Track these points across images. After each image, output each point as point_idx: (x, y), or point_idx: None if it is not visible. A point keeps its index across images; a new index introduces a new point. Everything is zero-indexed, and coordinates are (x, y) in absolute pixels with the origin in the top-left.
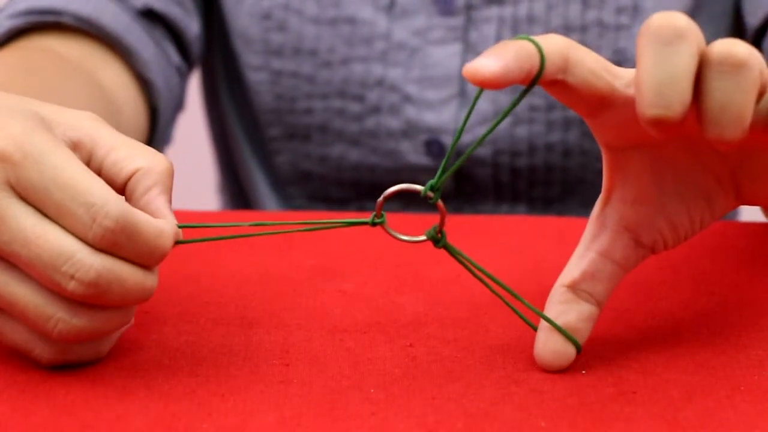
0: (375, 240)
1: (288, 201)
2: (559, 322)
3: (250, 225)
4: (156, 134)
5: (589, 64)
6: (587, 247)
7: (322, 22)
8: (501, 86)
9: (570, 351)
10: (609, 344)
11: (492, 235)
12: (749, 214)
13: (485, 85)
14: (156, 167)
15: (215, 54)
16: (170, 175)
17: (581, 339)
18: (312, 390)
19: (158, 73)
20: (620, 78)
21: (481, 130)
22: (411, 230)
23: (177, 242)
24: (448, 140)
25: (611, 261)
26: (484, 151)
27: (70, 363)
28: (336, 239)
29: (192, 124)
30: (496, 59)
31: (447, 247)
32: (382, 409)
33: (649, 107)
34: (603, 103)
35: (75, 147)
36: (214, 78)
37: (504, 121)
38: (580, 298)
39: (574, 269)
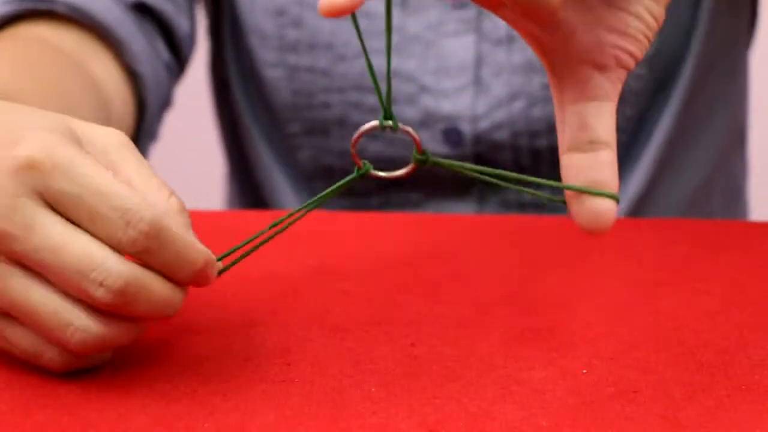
0: (376, 239)
1: (312, 195)
2: (578, 185)
3: (269, 228)
4: (143, 129)
5: None
6: (560, 104)
7: None
8: (359, 4)
9: (608, 205)
10: (609, 344)
11: (492, 235)
12: (763, 214)
13: (344, 12)
14: (167, 212)
15: (227, 52)
16: (183, 216)
17: (611, 188)
18: (313, 389)
19: (147, 67)
20: None
21: (499, 114)
22: (398, 229)
23: (219, 272)
24: (465, 127)
25: (589, 100)
26: (502, 135)
27: (79, 368)
28: (337, 238)
29: (196, 126)
30: None
31: (437, 163)
32: (383, 408)
33: None
34: None
35: None
36: (225, 77)
37: (519, 103)
38: (587, 152)
39: (562, 133)
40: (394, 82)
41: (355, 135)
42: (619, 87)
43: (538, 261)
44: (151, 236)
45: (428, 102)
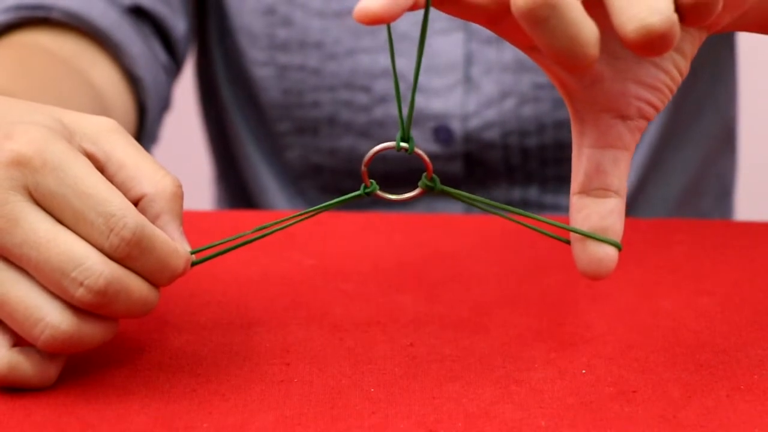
0: (375, 239)
1: (300, 195)
2: (584, 229)
3: (254, 231)
4: (144, 132)
5: None
6: (579, 146)
7: (326, 15)
8: (395, 16)
9: (609, 252)
10: (609, 343)
11: (492, 235)
12: (749, 213)
13: (379, 21)
14: (162, 193)
15: (214, 53)
16: (177, 198)
17: (614, 236)
18: (312, 389)
19: (146, 70)
20: None
21: (489, 113)
22: (398, 229)
23: (193, 264)
24: (455, 126)
25: (607, 148)
26: (493, 134)
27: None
28: (336, 238)
29: (184, 127)
30: None
31: (444, 191)
32: (382, 408)
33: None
34: (501, 6)
35: (89, 158)
36: (212, 77)
37: (510, 102)
38: (597, 197)
39: (577, 174)
40: (384, 81)
41: (369, 154)
42: (638, 137)
43: (537, 261)
44: (132, 244)
45: (418, 100)
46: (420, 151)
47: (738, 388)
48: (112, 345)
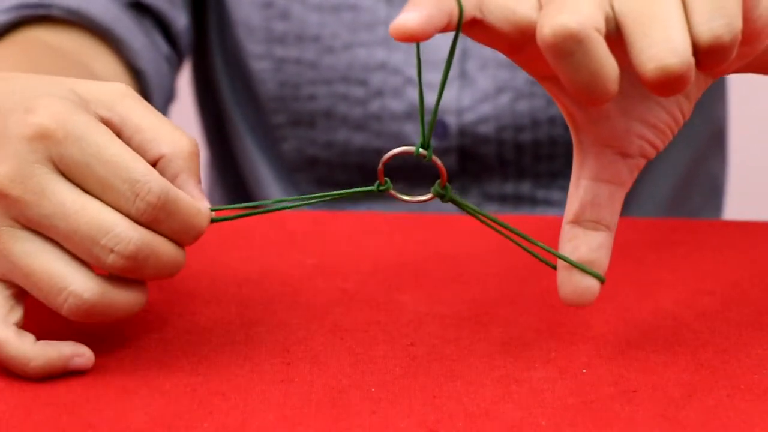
0: (375, 239)
1: (295, 187)
2: (572, 258)
3: (274, 201)
4: None
5: None
6: (577, 176)
7: (324, 9)
8: (428, 35)
9: (592, 284)
10: (609, 343)
11: (492, 234)
12: (739, 213)
13: (413, 38)
14: (180, 153)
15: (212, 46)
16: (195, 157)
17: (599, 269)
18: (313, 389)
19: (149, 63)
20: (546, 3)
21: (484, 108)
22: (398, 229)
23: (212, 220)
24: (450, 120)
25: (605, 182)
26: (487, 128)
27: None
28: (336, 238)
29: (178, 120)
30: (418, 10)
31: (454, 200)
32: (383, 408)
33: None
34: (525, 35)
35: (105, 124)
36: (209, 70)
37: (505, 97)
38: (588, 229)
39: (572, 203)
40: (380, 75)
41: (387, 155)
42: (635, 175)
43: (537, 261)
44: (158, 207)
45: (414, 95)
46: (437, 160)
47: (738, 388)
48: (113, 344)
